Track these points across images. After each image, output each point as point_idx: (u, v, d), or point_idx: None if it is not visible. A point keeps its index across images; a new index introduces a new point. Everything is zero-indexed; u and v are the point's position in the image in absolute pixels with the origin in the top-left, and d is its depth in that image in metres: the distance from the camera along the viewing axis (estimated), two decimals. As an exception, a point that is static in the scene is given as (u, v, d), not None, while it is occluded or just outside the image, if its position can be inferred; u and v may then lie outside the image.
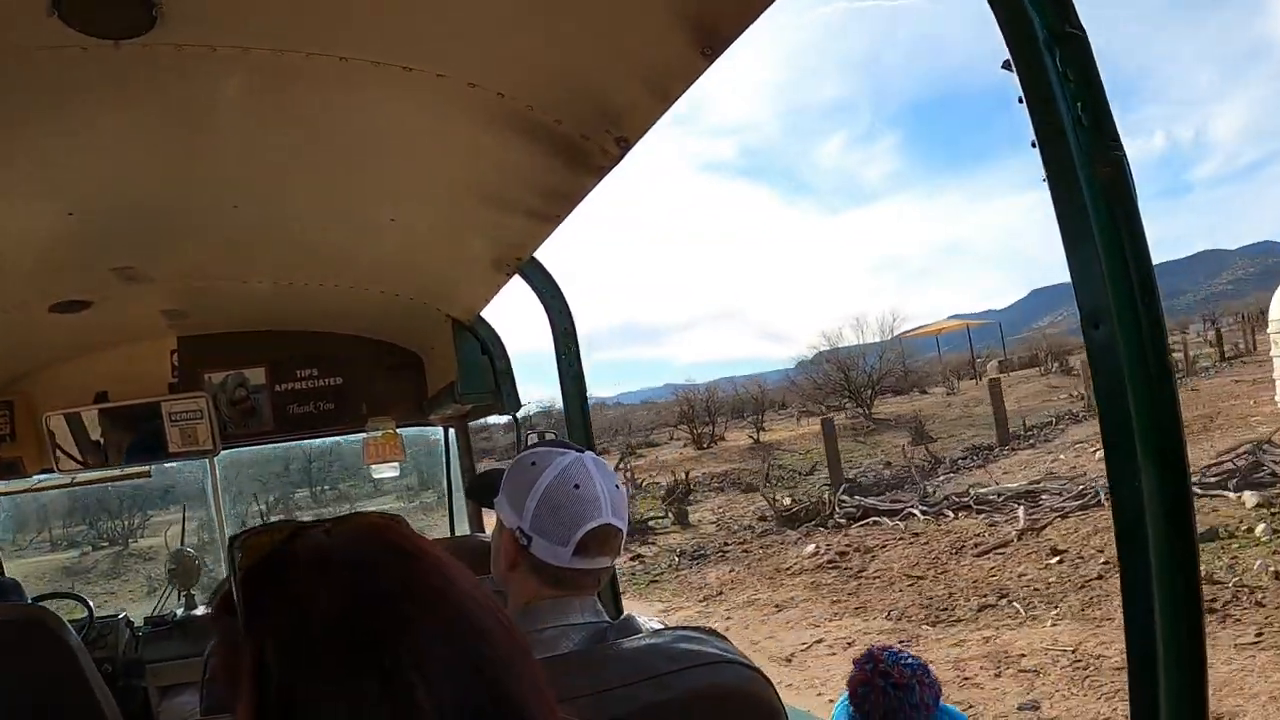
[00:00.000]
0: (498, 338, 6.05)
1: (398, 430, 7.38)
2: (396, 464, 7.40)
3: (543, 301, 4.97)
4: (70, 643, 4.55)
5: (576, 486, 2.61)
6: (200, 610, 7.28)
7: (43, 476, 7.54)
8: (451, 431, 7.65)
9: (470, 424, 7.59)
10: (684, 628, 2.58)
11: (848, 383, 48.16)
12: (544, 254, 4.89)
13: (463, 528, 7.71)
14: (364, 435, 7.41)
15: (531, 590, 2.66)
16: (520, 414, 6.32)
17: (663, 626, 2.68)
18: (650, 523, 31.73)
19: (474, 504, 7.47)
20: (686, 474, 37.49)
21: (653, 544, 29.48)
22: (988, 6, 2.02)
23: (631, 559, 27.17)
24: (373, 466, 7.46)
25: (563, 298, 4.98)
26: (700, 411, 50.30)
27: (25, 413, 7.21)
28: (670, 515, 32.47)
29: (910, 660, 4.38)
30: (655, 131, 3.20)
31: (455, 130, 3.58)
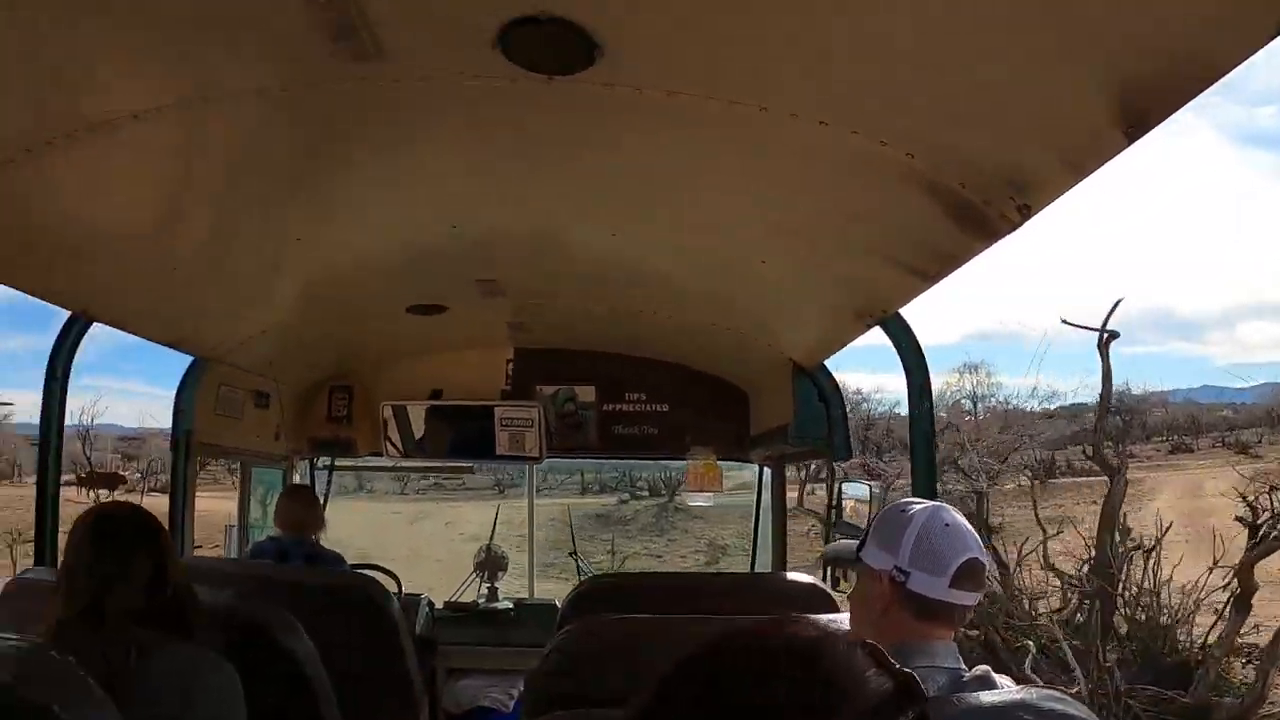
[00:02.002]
0: (836, 385, 5.97)
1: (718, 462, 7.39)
2: (712, 494, 7.43)
3: (901, 356, 4.84)
4: (393, 614, 4.74)
5: (947, 525, 2.77)
6: (500, 604, 7.53)
7: (372, 458, 7.98)
8: (767, 471, 7.57)
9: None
10: (1045, 687, 2.55)
11: None
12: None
13: (764, 566, 7.64)
14: (686, 462, 7.48)
15: (904, 628, 2.73)
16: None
17: (1017, 685, 2.68)
18: None
19: (781, 548, 7.38)
20: None
21: None
22: None
23: None
24: (689, 494, 7.52)
25: (921, 354, 4.84)
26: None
27: (363, 399, 7.70)
28: None
29: None
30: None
31: (854, 185, 3.52)
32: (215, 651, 3.10)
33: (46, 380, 5.07)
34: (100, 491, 31.16)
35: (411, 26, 2.74)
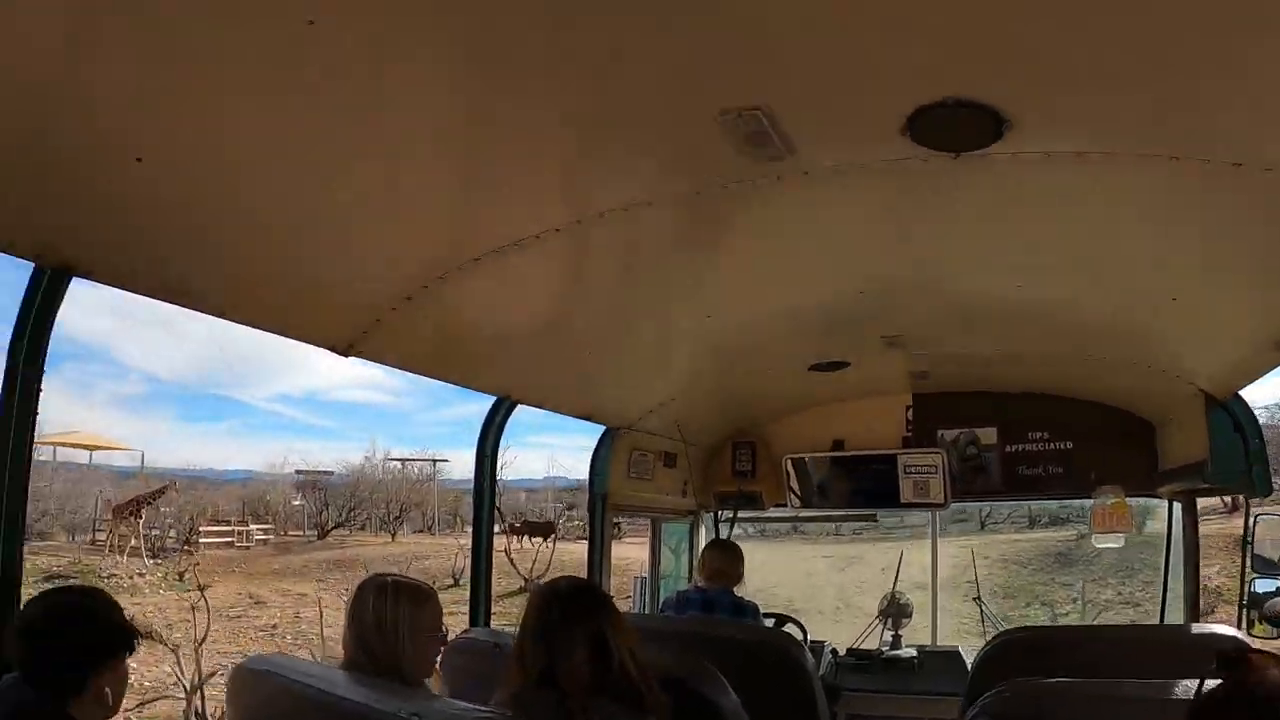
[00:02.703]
0: (1253, 416, 5.68)
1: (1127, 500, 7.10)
2: (1122, 536, 7.13)
3: None
4: (808, 667, 4.86)
5: None
6: (904, 652, 7.44)
7: (776, 510, 8.22)
8: (1178, 506, 7.17)
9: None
10: None
11: None
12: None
13: (1174, 615, 7.26)
14: (1092, 502, 7.19)
15: None
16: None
17: None
18: None
19: (1194, 593, 6.99)
20: None
21: None
22: None
23: None
24: (1097, 536, 7.24)
25: None
26: None
27: (765, 453, 7.97)
28: None
29: None
30: None
31: (1270, 219, 3.45)
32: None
33: (478, 457, 5.60)
34: (531, 538, 33.45)
35: (821, 127, 2.98)
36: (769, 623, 6.77)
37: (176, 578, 31.64)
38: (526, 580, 30.53)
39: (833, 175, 3.27)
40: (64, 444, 38.12)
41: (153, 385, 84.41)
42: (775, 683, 4.74)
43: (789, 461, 7.80)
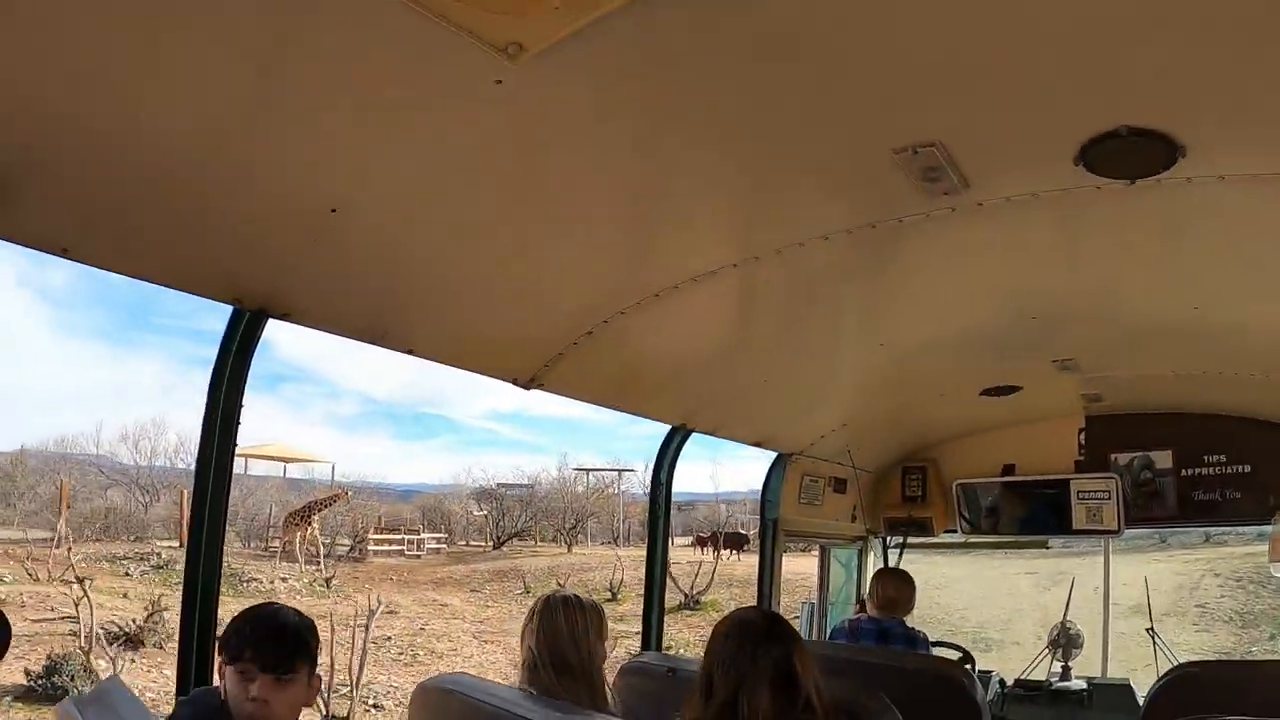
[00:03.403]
0: None
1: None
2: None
3: None
4: (976, 698, 4.80)
5: None
6: (1074, 684, 7.22)
7: (947, 535, 8.12)
8: None
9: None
10: None
11: None
12: None
13: None
14: (1270, 528, 6.91)
15: None
16: None
17: None
18: None
19: None
20: None
21: None
22: None
23: None
24: (1275, 565, 6.95)
25: None
26: None
27: (935, 478, 7.92)
28: None
29: None
30: None
31: None
32: None
33: (653, 484, 5.78)
34: (722, 549, 33.75)
35: (996, 160, 3.06)
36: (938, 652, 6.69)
37: (323, 584, 32.37)
38: (686, 596, 30.64)
39: (1006, 205, 3.32)
40: (258, 456, 39.55)
41: (366, 404, 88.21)
42: (943, 714, 4.72)
43: (958, 487, 7.72)
